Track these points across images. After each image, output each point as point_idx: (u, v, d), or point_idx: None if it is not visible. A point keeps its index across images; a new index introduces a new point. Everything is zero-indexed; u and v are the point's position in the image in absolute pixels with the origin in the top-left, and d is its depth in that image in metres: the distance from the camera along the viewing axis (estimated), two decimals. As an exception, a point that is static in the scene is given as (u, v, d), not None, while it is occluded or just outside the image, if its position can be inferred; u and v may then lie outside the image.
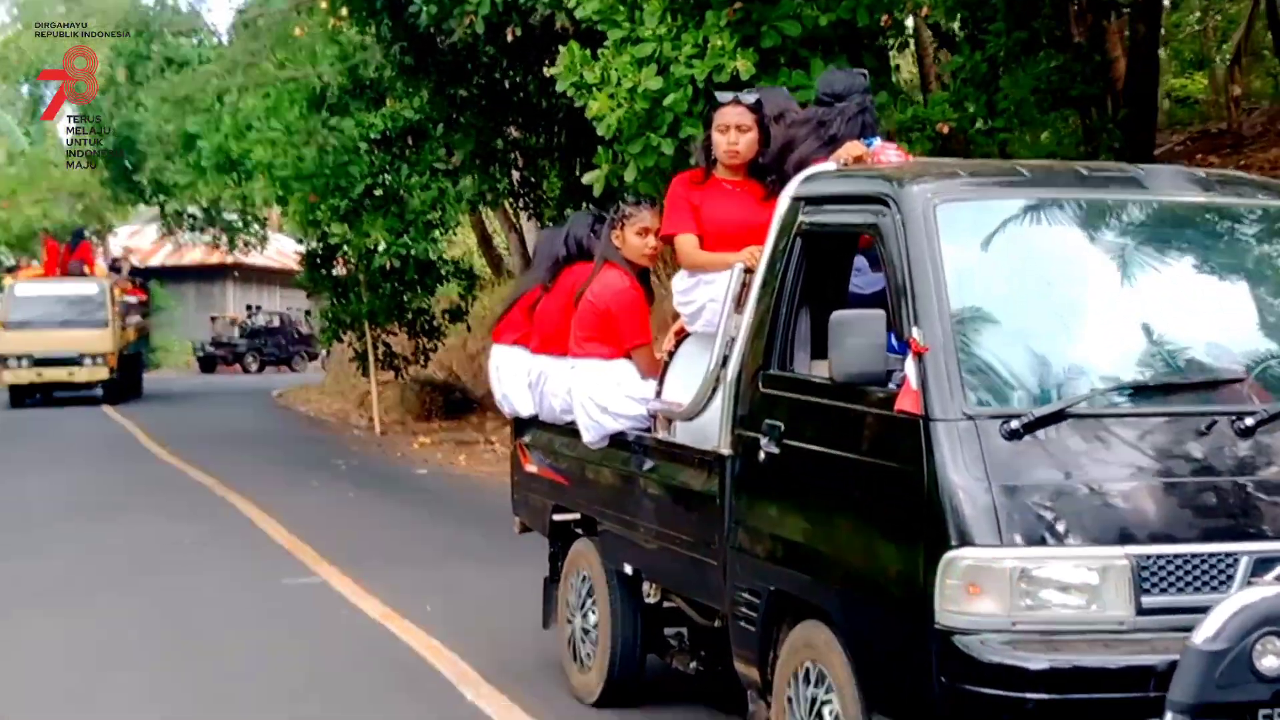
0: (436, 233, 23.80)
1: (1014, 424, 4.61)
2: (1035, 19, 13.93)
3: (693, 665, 6.96)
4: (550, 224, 20.26)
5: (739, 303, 6.02)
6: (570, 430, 7.32)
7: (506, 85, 18.80)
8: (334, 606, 10.11)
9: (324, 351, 36.20)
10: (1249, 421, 4.72)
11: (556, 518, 7.74)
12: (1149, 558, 4.53)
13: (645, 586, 7.00)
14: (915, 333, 4.78)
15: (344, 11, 18.22)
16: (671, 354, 6.71)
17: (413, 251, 22.44)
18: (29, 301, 30.48)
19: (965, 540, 4.53)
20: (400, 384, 26.22)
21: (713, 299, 6.25)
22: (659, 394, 6.69)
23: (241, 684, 8.05)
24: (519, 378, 7.83)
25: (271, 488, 16.61)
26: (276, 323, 49.74)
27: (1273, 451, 4.73)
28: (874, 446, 4.93)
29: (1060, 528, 4.55)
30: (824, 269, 5.77)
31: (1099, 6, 14.90)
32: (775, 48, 11.49)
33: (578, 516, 7.60)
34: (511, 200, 24.83)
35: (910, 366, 4.74)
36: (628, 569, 6.91)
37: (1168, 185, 5.60)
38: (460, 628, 8.97)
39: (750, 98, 6.52)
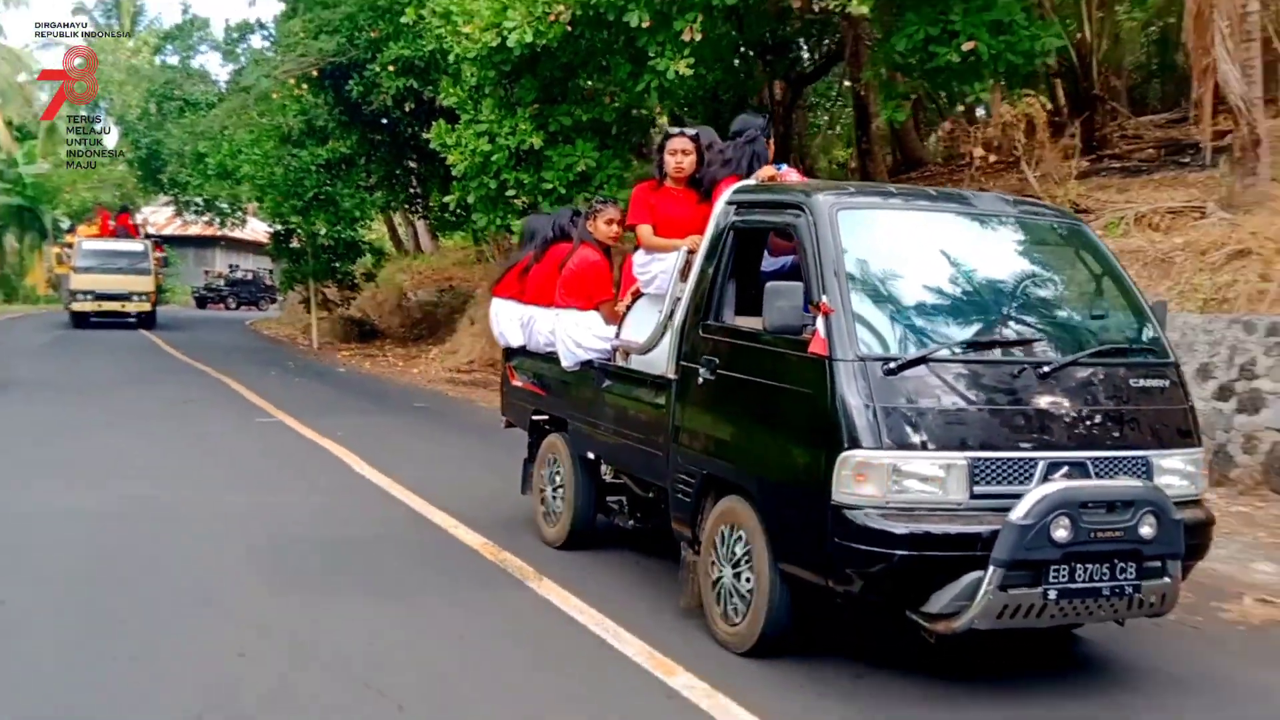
0: (359, 225, 26.13)
1: (890, 365, 4.57)
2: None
3: (630, 523, 6.86)
4: (436, 222, 25.46)
5: (684, 274, 5.91)
6: (550, 358, 7.16)
7: (407, 134, 21.07)
8: (286, 432, 12.29)
9: (281, 297, 38.20)
10: (1045, 369, 4.72)
11: (535, 418, 7.59)
12: (979, 459, 4.52)
13: (603, 468, 6.88)
14: (824, 299, 4.70)
15: (304, 86, 20.76)
16: (629, 308, 6.57)
17: (343, 235, 24.90)
18: (93, 253, 29.68)
19: (855, 444, 4.48)
20: (331, 319, 28.27)
21: (663, 270, 6.10)
22: (619, 335, 6.56)
23: (232, 462, 10.33)
24: (512, 321, 7.65)
25: (246, 374, 18.36)
26: (250, 277, 50.47)
27: (1061, 390, 4.73)
28: (791, 377, 4.84)
29: (920, 437, 4.51)
30: (746, 254, 5.68)
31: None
32: (556, 130, 13.53)
33: (548, 417, 7.48)
34: (408, 206, 27.56)
35: (820, 322, 4.67)
36: (590, 455, 6.78)
37: (988, 203, 5.57)
38: (356, 443, 11.09)
39: (691, 131, 6.38)
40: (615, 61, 12.93)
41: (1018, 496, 4.46)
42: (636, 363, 6.25)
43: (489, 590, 6.25)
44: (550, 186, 13.45)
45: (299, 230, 25.33)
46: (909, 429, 4.51)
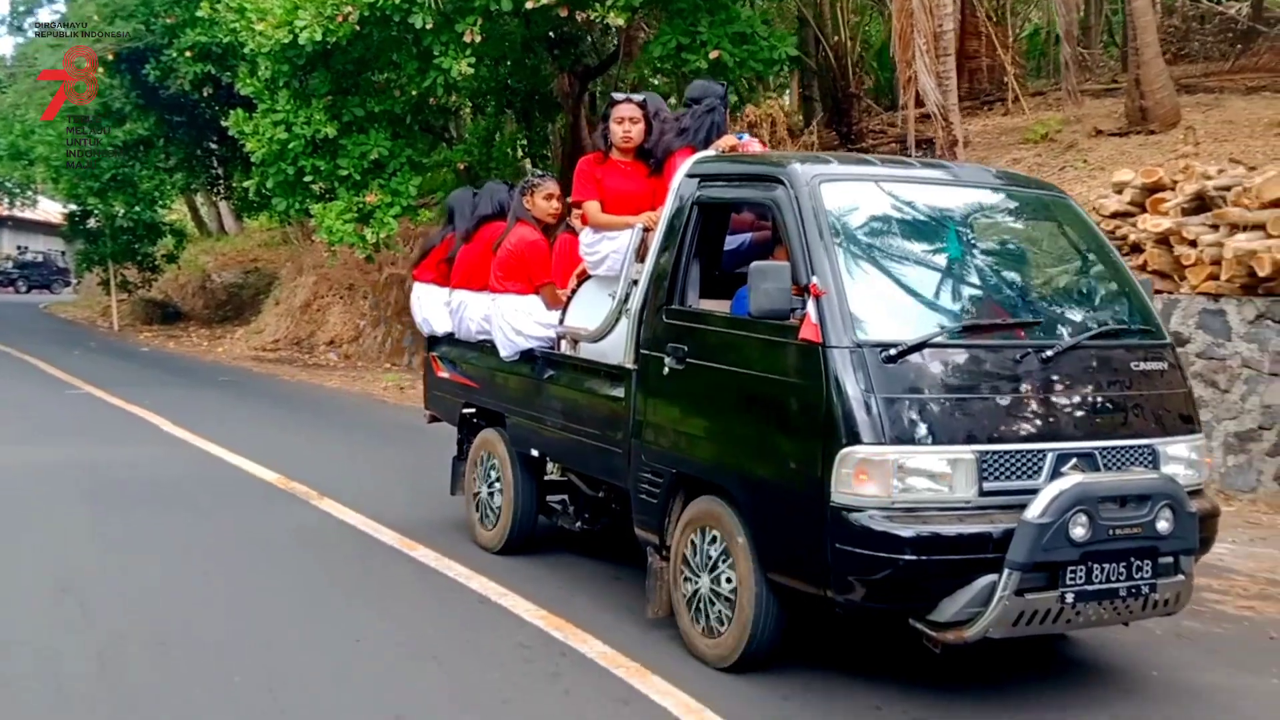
0: (158, 206, 26.29)
1: (890, 351, 4.23)
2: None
3: (578, 525, 6.43)
4: (239, 204, 25.68)
5: (640, 254, 5.50)
6: (484, 347, 6.68)
7: (207, 116, 21.28)
8: (96, 401, 13.59)
9: (76, 280, 37.92)
10: (1048, 353, 4.43)
11: (465, 412, 7.10)
12: (987, 453, 4.22)
13: (548, 466, 6.44)
14: (814, 280, 4.34)
15: (100, 69, 20.66)
16: (574, 291, 6.11)
17: (142, 217, 25.38)
18: None
19: (856, 439, 4.14)
20: (131, 300, 28.52)
21: (614, 250, 5.67)
22: (563, 321, 6.11)
23: (53, 425, 11.60)
24: (437, 307, 7.14)
25: (50, 354, 19.16)
26: (41, 259, 48.65)
27: (1064, 375, 4.46)
28: (779, 366, 4.46)
29: (924, 430, 4.19)
30: (710, 232, 5.29)
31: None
32: (350, 120, 14.71)
33: (474, 410, 7.01)
34: (210, 187, 28.06)
35: (811, 306, 4.30)
36: (533, 453, 6.33)
37: (972, 174, 5.27)
38: (165, 410, 12.35)
39: (639, 97, 5.95)
40: (403, 59, 13.98)
41: (1028, 493, 4.18)
42: (586, 351, 5.83)
43: (275, 506, 7.91)
44: (346, 173, 14.66)
45: (97, 211, 25.63)
46: (912, 421, 4.19)
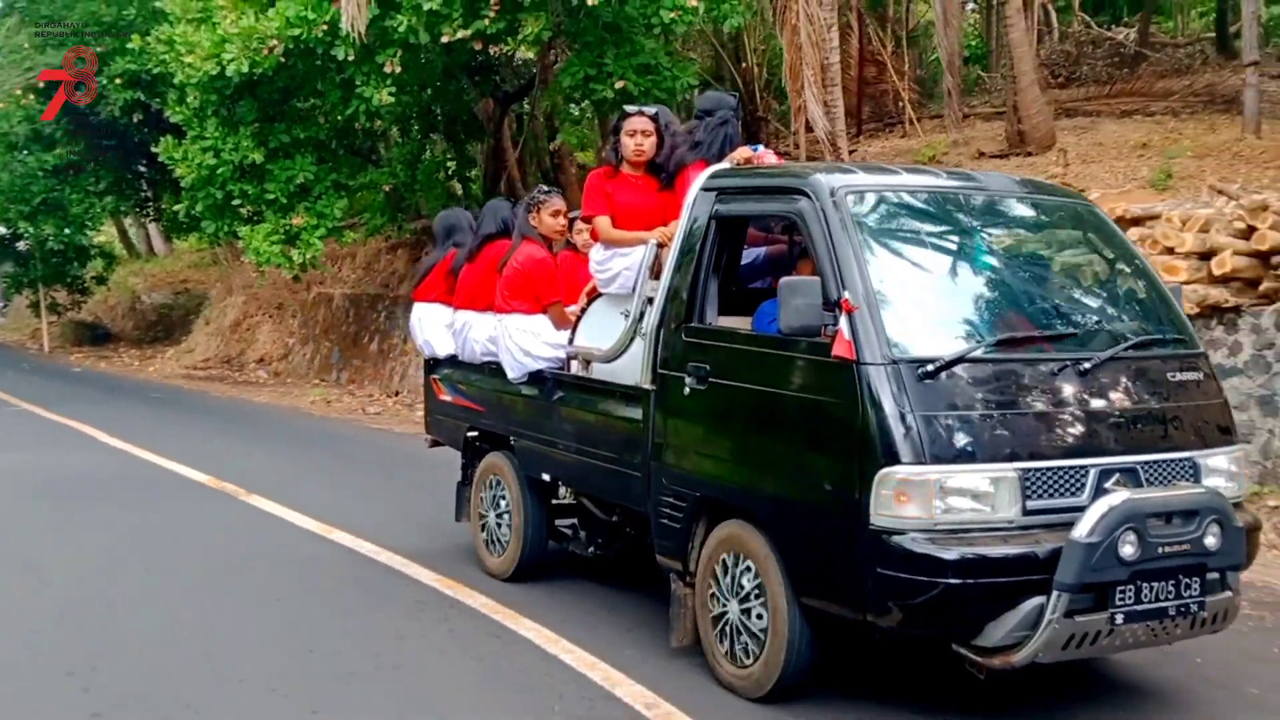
0: (88, 229, 26.46)
1: (928, 367, 4.13)
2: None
3: (590, 550, 6.31)
4: (168, 225, 25.44)
5: (654, 271, 5.39)
6: (488, 368, 6.56)
7: (136, 140, 21.61)
8: (36, 418, 14.50)
9: (5, 303, 38.45)
10: (1086, 365, 4.35)
11: (469, 435, 6.96)
12: (1030, 470, 4.13)
13: (560, 491, 6.31)
14: (845, 295, 4.24)
15: (30, 95, 21.50)
16: (584, 310, 6.00)
17: (72, 240, 25.68)
18: None
19: (895, 459, 4.04)
20: (61, 323, 28.95)
21: (627, 267, 5.56)
22: (572, 341, 5.99)
23: None
24: (439, 328, 7.01)
25: None
26: None
27: (1102, 388, 4.38)
28: (809, 385, 4.36)
29: (965, 448, 4.09)
30: (729, 247, 5.19)
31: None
32: (277, 146, 15.57)
33: (478, 434, 6.88)
34: (139, 210, 28.13)
35: (843, 321, 4.20)
36: (545, 477, 6.20)
37: (998, 183, 5.19)
38: (101, 423, 13.20)
39: (651, 110, 5.86)
40: (326, 88, 15.06)
41: (1073, 510, 4.09)
42: (599, 372, 5.71)
43: (206, 502, 8.95)
44: (273, 197, 15.52)
45: (27, 234, 25.97)
46: (952, 439, 4.09)
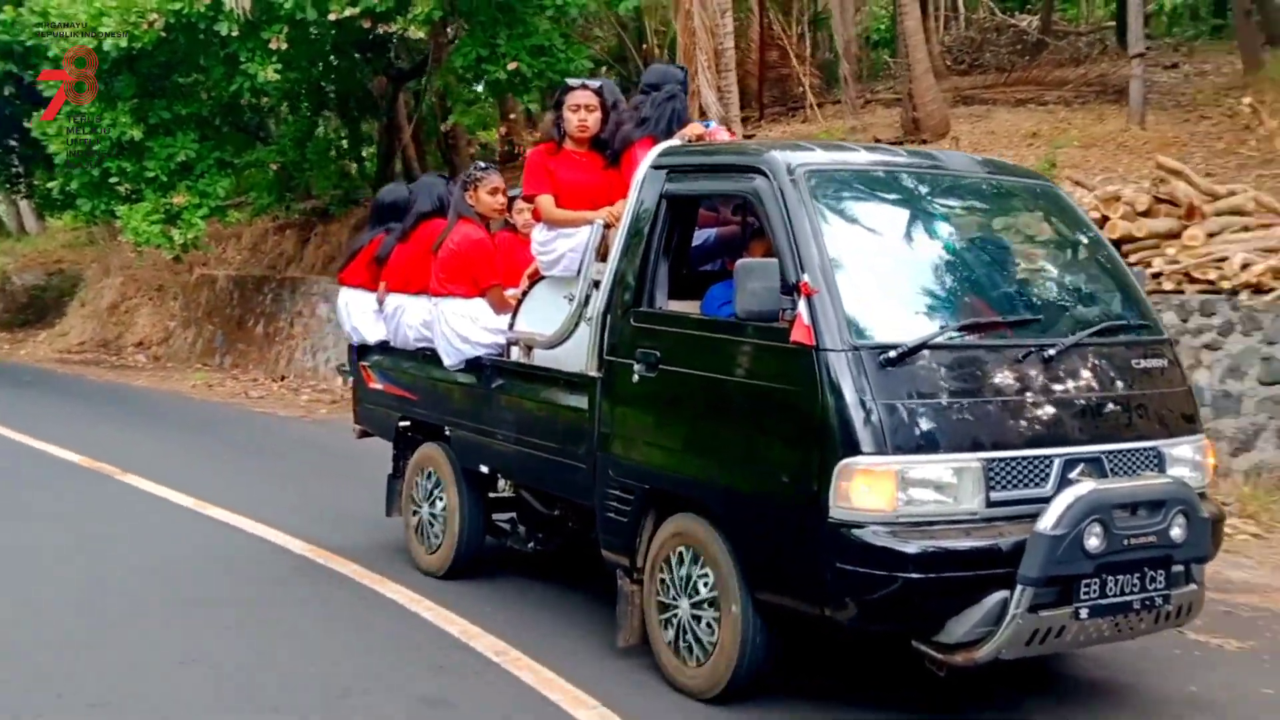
0: None
1: (890, 353, 3.98)
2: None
3: (530, 546, 6.09)
4: (41, 203, 23.73)
5: (600, 253, 5.18)
6: (421, 355, 6.31)
7: (7, 113, 19.94)
8: None
9: None
10: (1050, 352, 4.23)
11: (401, 425, 6.70)
12: (993, 460, 4.00)
13: (500, 483, 6.08)
14: (805, 277, 4.07)
15: None
16: (525, 293, 5.77)
17: None
18: None
19: (855, 450, 3.88)
20: None
21: (571, 249, 5.34)
22: (512, 326, 5.77)
23: None
24: (368, 313, 6.74)
25: None
26: None
27: (1066, 375, 4.26)
28: (766, 372, 4.19)
29: (928, 437, 3.95)
30: (679, 227, 4.99)
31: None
32: (157, 123, 15.36)
33: (410, 424, 6.62)
34: (9, 186, 26.27)
35: (802, 305, 4.03)
36: (483, 469, 5.96)
37: (960, 163, 5.05)
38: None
39: (595, 83, 5.64)
40: (210, 63, 15.01)
41: (1037, 501, 3.97)
42: (541, 358, 5.49)
43: (77, 480, 9.05)
44: (153, 175, 15.28)
45: None
46: (915, 428, 3.95)
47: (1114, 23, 19.32)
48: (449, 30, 15.89)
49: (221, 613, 5.67)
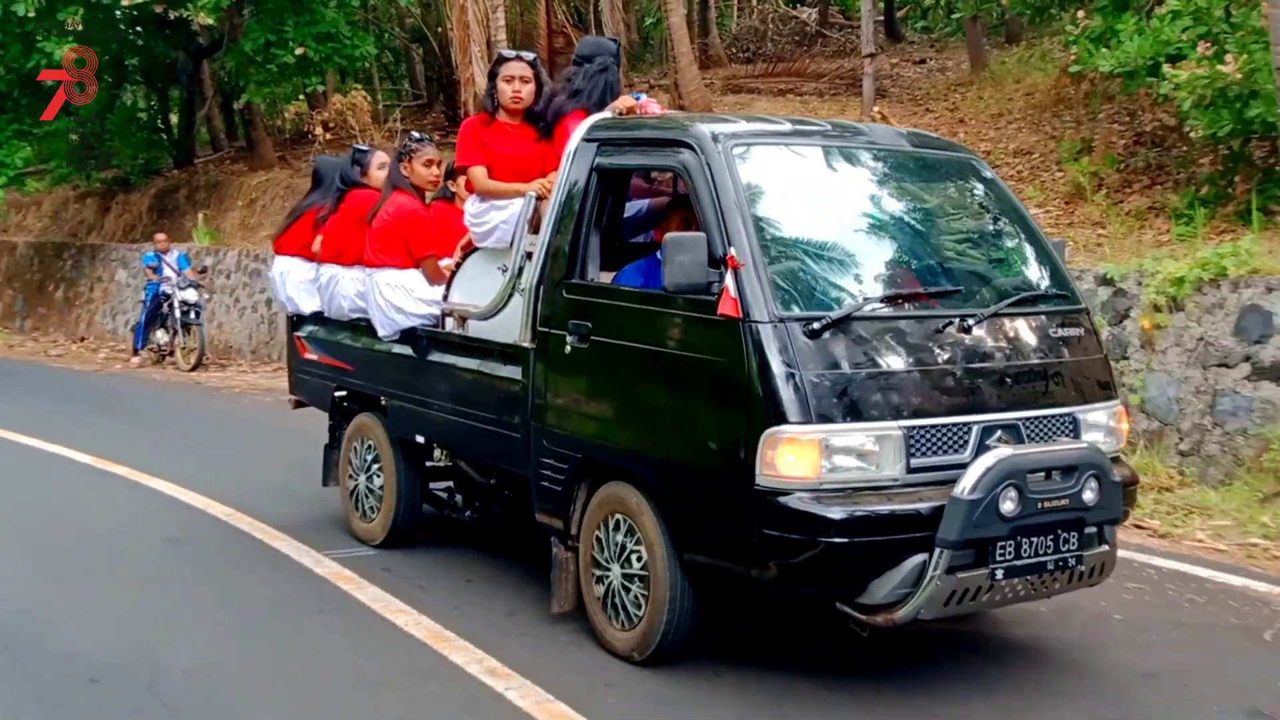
0: None
1: (814, 325, 4.16)
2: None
3: (468, 514, 6.25)
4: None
5: (533, 225, 5.32)
6: (355, 326, 6.42)
7: None
8: None
9: None
10: (970, 322, 4.44)
11: (337, 395, 6.81)
12: (914, 429, 4.20)
13: (436, 452, 6.21)
14: (732, 251, 4.24)
15: None
16: (459, 264, 5.89)
17: None
18: None
19: (781, 419, 4.07)
20: None
21: (504, 221, 5.47)
22: (446, 297, 5.89)
23: None
24: (303, 283, 6.81)
25: None
26: None
27: (986, 344, 4.47)
28: (694, 343, 4.36)
29: (850, 407, 4.14)
30: (611, 200, 5.13)
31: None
32: None
33: (345, 394, 6.74)
34: None
35: (729, 278, 4.21)
36: (418, 439, 6.10)
37: (885, 137, 5.24)
38: None
39: (529, 55, 5.76)
40: (7, 41, 16.03)
41: (955, 467, 4.18)
42: (475, 330, 5.63)
43: None
44: None
45: None
46: (838, 398, 4.14)
47: (883, 18, 21.04)
48: (243, 13, 17.35)
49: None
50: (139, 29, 17.92)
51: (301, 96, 19.99)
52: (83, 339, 18.27)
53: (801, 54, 18.99)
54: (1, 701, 4.41)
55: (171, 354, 15.41)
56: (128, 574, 6.04)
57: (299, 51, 16.01)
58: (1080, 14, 10.61)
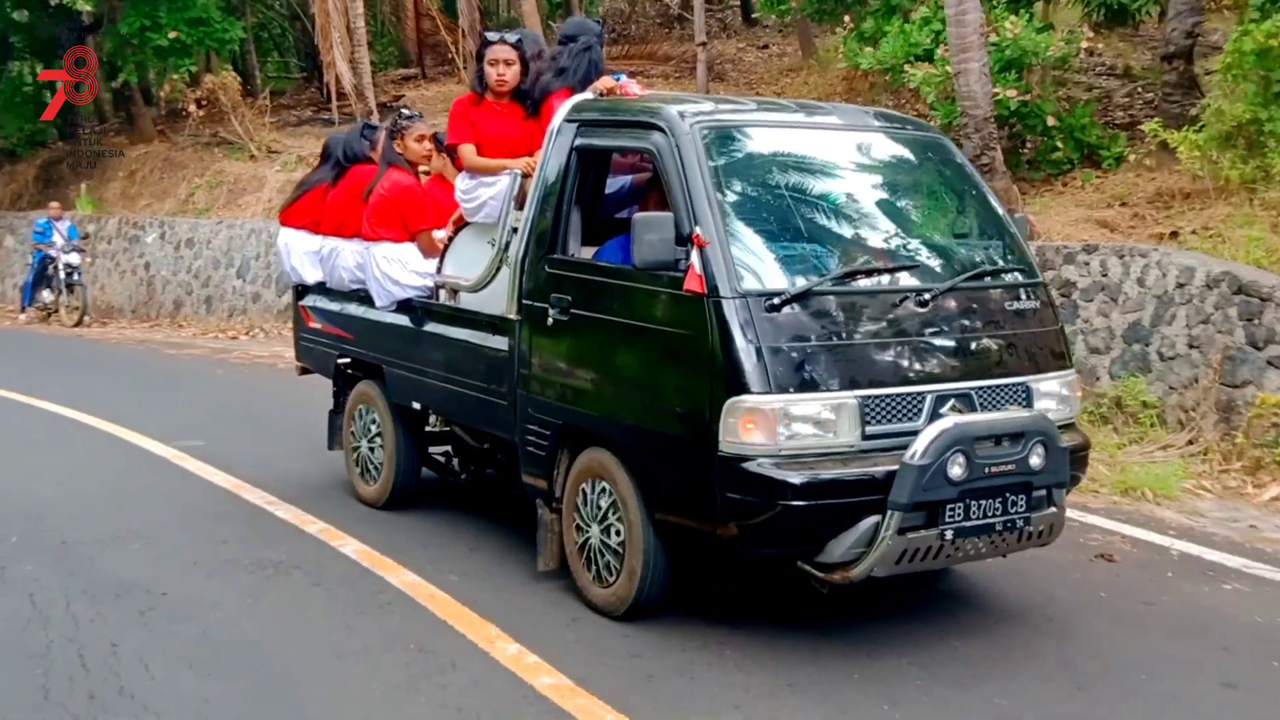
0: None
1: (774, 300, 4.46)
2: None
3: (463, 477, 6.61)
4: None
5: (519, 201, 5.62)
6: (357, 296, 6.75)
7: None
8: None
9: None
10: (925, 296, 4.72)
11: (340, 363, 7.16)
12: (869, 398, 4.50)
13: (431, 418, 6.56)
14: (698, 229, 4.53)
15: None
16: (451, 239, 6.21)
17: None
18: None
19: (743, 389, 4.37)
20: None
21: (493, 197, 5.77)
22: (440, 270, 6.21)
23: None
24: (307, 255, 7.15)
25: None
26: None
27: (941, 317, 4.75)
28: (664, 317, 4.66)
29: (809, 377, 4.44)
30: (591, 178, 5.43)
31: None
32: None
33: (349, 362, 7.09)
34: None
35: (695, 256, 4.50)
36: (414, 405, 6.45)
37: (851, 116, 5.51)
38: None
39: (513, 37, 6.01)
40: None
41: (909, 434, 4.48)
42: (466, 301, 5.95)
43: None
44: None
45: None
46: (797, 369, 4.43)
47: (740, 3, 22.32)
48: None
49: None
50: (24, 10, 19.82)
51: (175, 75, 21.17)
52: (-13, 302, 20.42)
53: (663, 36, 20.27)
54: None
55: (56, 311, 17.60)
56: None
57: (172, 35, 18.12)
58: (846, 17, 13.20)
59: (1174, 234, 9.06)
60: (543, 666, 4.57)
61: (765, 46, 19.36)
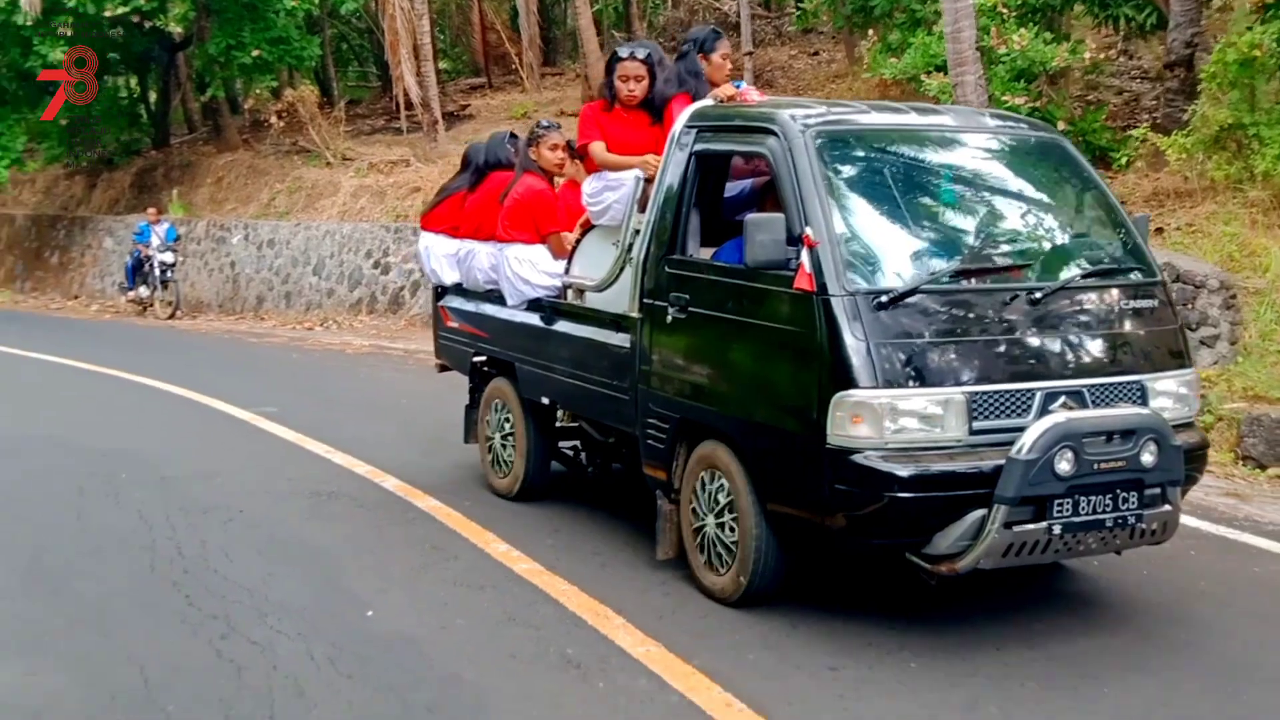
0: None
1: (882, 298, 4.60)
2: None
3: (590, 470, 6.89)
4: None
5: (641, 204, 5.87)
6: (491, 296, 7.09)
7: None
8: None
9: None
10: (1037, 295, 4.80)
11: (476, 361, 7.52)
12: (976, 394, 4.60)
13: (559, 413, 6.86)
14: (808, 230, 4.71)
15: None
16: (579, 241, 6.50)
17: None
18: None
19: (851, 384, 4.52)
20: None
21: (617, 200, 6.04)
22: (568, 270, 6.51)
23: None
24: (445, 257, 7.53)
25: None
26: None
27: (1053, 316, 4.82)
28: (775, 315, 4.85)
29: (916, 373, 4.57)
30: (709, 182, 5.64)
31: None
32: None
33: (484, 359, 7.41)
34: None
35: (805, 256, 4.68)
36: (544, 400, 6.75)
37: (965, 117, 5.61)
38: None
39: (642, 53, 6.24)
40: (7, 44, 20.26)
41: (1017, 430, 4.56)
42: (592, 300, 6.21)
43: None
44: None
45: None
46: (904, 365, 4.57)
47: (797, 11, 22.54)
48: (208, 20, 20.90)
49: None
50: (120, 29, 21.37)
51: (259, 91, 23.62)
52: (76, 297, 22.88)
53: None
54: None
55: (152, 305, 19.80)
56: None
57: (255, 53, 20.14)
58: (870, 31, 14.43)
59: (1159, 230, 9.54)
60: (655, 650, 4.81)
61: (816, 53, 19.93)
